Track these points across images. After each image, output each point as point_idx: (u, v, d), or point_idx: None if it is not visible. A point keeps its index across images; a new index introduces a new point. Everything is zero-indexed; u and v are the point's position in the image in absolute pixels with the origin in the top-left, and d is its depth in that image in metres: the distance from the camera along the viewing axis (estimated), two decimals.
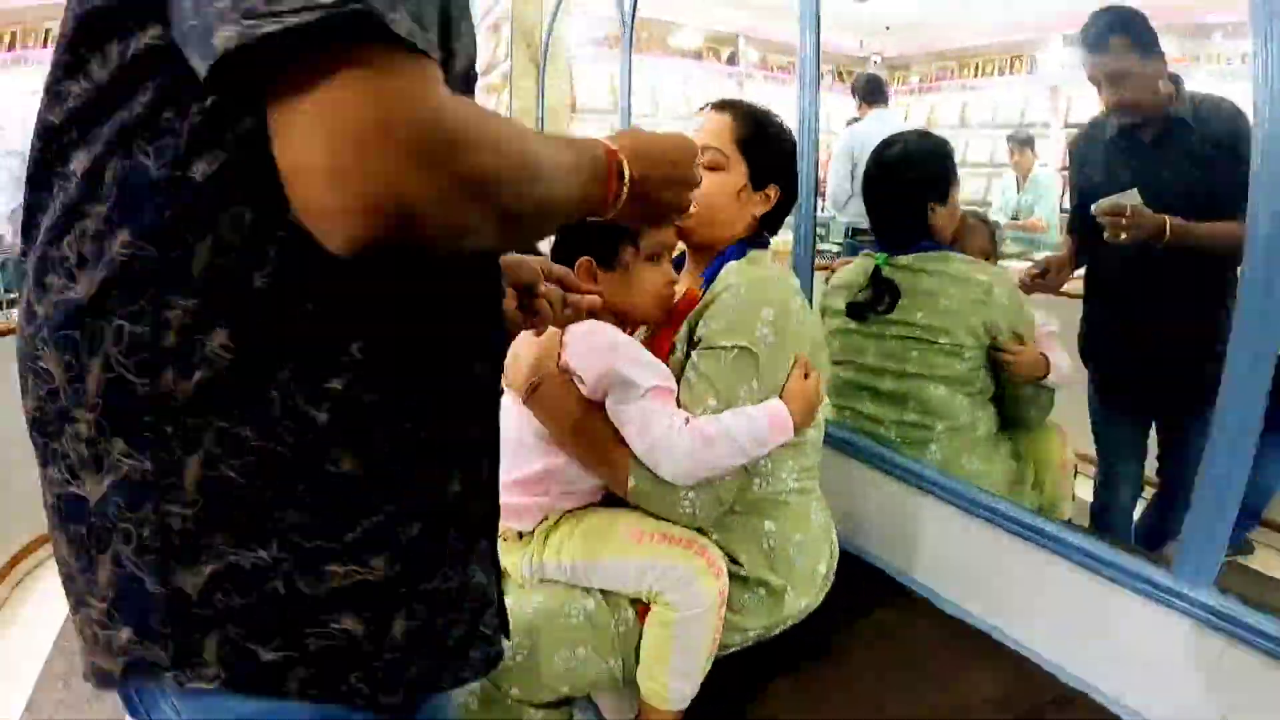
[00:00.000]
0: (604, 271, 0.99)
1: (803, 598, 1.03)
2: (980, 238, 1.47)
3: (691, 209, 0.65)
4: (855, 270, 1.41)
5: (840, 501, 1.26)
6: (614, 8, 2.28)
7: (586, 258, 0.98)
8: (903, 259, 1.33)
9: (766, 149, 1.07)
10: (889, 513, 1.33)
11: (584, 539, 0.96)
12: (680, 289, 1.07)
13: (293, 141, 0.35)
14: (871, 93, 3.23)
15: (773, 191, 1.08)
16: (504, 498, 0.87)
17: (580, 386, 0.94)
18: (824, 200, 3.00)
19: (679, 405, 0.93)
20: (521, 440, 0.97)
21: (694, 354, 0.97)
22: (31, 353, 0.44)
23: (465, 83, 0.48)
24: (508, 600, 0.86)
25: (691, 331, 0.99)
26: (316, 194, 0.35)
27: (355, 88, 0.34)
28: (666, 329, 1.04)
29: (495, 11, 3.93)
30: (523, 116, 3.68)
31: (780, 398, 0.95)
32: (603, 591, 0.97)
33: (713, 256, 1.06)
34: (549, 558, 0.97)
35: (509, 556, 0.98)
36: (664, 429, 0.89)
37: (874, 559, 1.34)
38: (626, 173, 0.54)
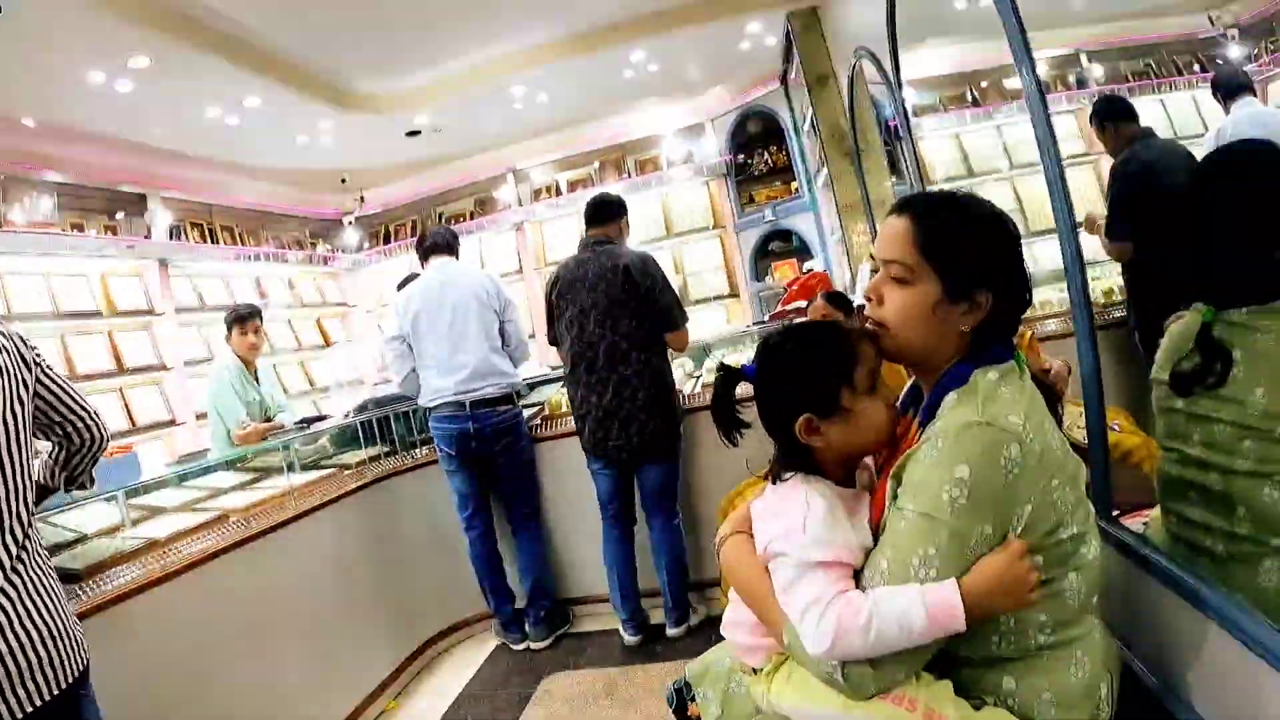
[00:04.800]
0: (825, 422, 0.94)
1: None
2: None
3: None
4: (1182, 329, 1.12)
5: (1142, 632, 1.02)
6: (941, 69, 2.11)
7: (805, 415, 0.93)
8: (1236, 314, 1.04)
9: (960, 252, 0.90)
10: (1195, 657, 0.99)
11: (793, 685, 0.94)
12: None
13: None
14: (1227, 85, 2.71)
15: (983, 299, 0.90)
16: (738, 636, 1.03)
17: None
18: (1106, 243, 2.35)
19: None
20: None
21: (890, 509, 0.88)
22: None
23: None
24: None
25: (898, 483, 0.88)
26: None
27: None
28: (888, 466, 0.95)
29: (809, 116, 4.18)
30: (848, 212, 3.91)
31: (969, 574, 0.82)
32: None
33: (936, 378, 0.93)
34: (772, 699, 0.97)
35: (752, 688, 1.01)
36: (806, 602, 0.85)
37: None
38: None
